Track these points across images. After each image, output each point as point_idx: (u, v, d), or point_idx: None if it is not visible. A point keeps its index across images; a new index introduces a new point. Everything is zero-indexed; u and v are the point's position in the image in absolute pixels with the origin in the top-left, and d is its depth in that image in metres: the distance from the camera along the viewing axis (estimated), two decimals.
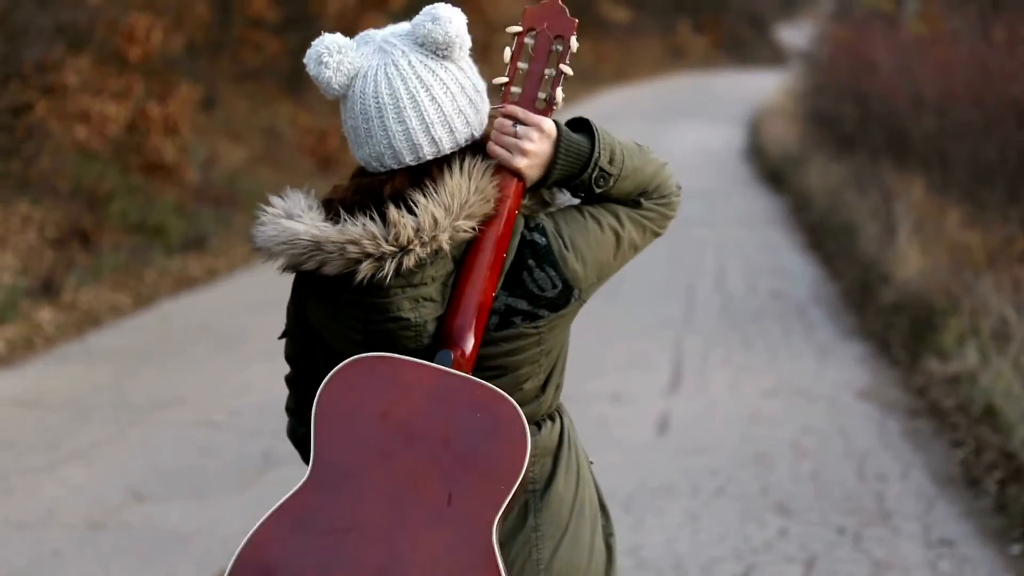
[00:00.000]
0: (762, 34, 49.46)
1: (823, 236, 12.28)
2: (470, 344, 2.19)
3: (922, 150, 13.07)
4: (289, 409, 2.49)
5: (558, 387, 2.37)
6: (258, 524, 2.14)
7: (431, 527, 2.09)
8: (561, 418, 2.39)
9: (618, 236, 2.28)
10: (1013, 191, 10.68)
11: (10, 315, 8.38)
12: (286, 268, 2.23)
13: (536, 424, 2.32)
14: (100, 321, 8.88)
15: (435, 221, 2.14)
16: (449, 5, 2.20)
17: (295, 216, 2.21)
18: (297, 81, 17.50)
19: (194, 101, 12.28)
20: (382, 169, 2.22)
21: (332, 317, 2.25)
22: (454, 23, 2.17)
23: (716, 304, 9.62)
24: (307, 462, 2.31)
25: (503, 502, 2.10)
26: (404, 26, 2.24)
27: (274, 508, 2.15)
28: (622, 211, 2.29)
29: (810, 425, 6.74)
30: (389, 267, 2.14)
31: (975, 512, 5.58)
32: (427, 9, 2.20)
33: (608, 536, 2.43)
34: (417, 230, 2.14)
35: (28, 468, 5.97)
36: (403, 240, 2.14)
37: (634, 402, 7.13)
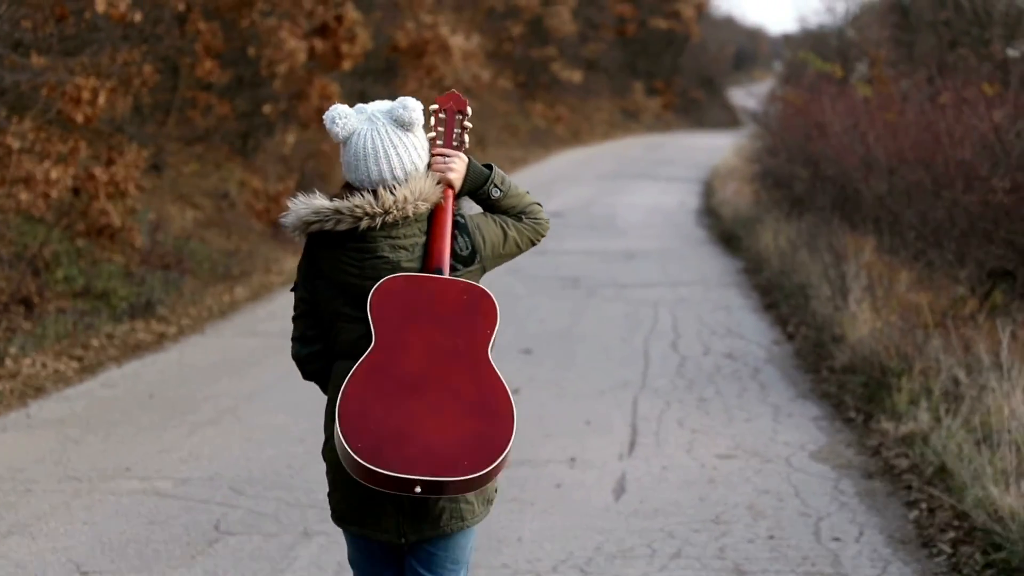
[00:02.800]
0: (715, 96, 49.98)
1: (777, 297, 12.31)
2: (446, 271, 3.62)
3: (873, 211, 13.15)
4: (295, 338, 3.78)
5: None
6: (347, 380, 3.42)
7: (454, 359, 3.51)
8: None
9: (505, 232, 3.78)
10: (961, 252, 10.73)
11: None
12: (308, 231, 3.60)
13: None
14: (43, 389, 8.73)
15: (405, 198, 3.59)
16: (414, 99, 3.63)
17: (317, 198, 3.65)
18: (247, 144, 17.36)
19: (141, 164, 12.15)
20: (362, 187, 3.66)
21: (338, 260, 3.64)
22: (416, 112, 3.63)
23: (672, 366, 9.59)
24: (308, 378, 3.79)
25: (490, 338, 3.56)
26: (386, 104, 3.70)
27: (356, 365, 3.45)
28: (509, 221, 3.81)
29: (766, 486, 6.69)
30: (379, 221, 3.57)
31: (929, 572, 5.56)
32: (401, 100, 3.65)
33: None
34: (395, 201, 3.57)
35: None
36: (387, 206, 3.57)
37: (591, 466, 7.06)
